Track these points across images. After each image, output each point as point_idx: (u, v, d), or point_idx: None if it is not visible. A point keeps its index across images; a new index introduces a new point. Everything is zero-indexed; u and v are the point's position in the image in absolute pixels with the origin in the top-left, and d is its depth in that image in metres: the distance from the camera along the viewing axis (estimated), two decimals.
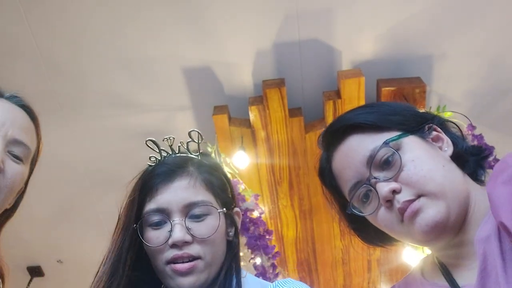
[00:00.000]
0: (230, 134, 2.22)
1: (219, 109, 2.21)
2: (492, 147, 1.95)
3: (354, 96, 2.10)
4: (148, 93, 2.26)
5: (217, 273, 0.85)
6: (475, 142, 2.00)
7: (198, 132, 0.90)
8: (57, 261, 2.98)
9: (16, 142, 0.83)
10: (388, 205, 0.74)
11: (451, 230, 0.73)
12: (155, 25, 2.07)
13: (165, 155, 0.91)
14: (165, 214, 0.83)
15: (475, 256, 0.70)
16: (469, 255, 0.73)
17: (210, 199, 0.85)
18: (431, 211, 0.71)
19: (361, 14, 2.04)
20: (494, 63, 2.15)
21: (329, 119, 2.16)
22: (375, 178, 0.75)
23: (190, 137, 0.91)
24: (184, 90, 2.24)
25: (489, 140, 1.99)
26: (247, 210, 2.07)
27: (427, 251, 2.16)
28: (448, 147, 0.79)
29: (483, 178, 0.81)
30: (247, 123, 2.21)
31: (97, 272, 0.90)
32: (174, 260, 0.81)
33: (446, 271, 0.76)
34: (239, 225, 0.93)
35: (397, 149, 0.75)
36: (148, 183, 0.86)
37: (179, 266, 0.80)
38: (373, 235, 0.86)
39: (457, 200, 0.72)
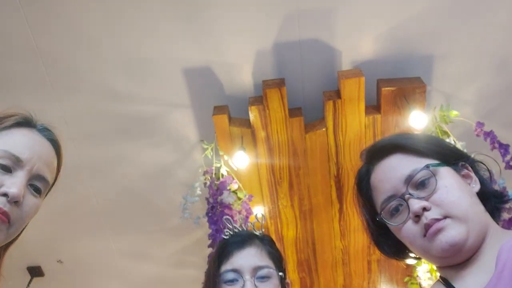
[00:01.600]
0: (230, 134, 2.22)
1: (219, 109, 2.21)
2: (508, 145, 1.93)
3: (354, 96, 2.10)
4: (148, 93, 2.26)
5: None
6: (488, 141, 1.99)
7: (262, 215, 1.28)
8: (57, 261, 2.98)
9: (38, 177, 0.86)
10: (416, 220, 0.83)
11: (466, 253, 0.81)
12: (155, 25, 2.07)
13: (237, 230, 1.20)
14: (238, 273, 1.08)
15: (482, 269, 0.79)
16: (475, 268, 0.81)
17: (272, 266, 1.12)
18: (453, 232, 0.80)
19: (361, 14, 2.04)
20: (496, 62, 2.15)
21: (329, 119, 2.16)
22: (409, 194, 0.85)
23: (256, 218, 1.24)
24: (184, 90, 2.24)
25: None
26: (222, 203, 2.07)
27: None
28: (475, 185, 0.90)
29: (498, 220, 0.90)
30: (247, 123, 2.21)
31: None
32: None
33: (448, 285, 0.84)
34: None
35: (434, 174, 0.85)
36: (225, 249, 1.13)
37: None
38: (390, 247, 0.96)
39: (476, 228, 0.81)
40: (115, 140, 2.40)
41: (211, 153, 2.22)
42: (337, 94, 2.14)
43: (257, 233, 1.19)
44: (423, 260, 1.00)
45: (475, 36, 2.07)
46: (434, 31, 2.08)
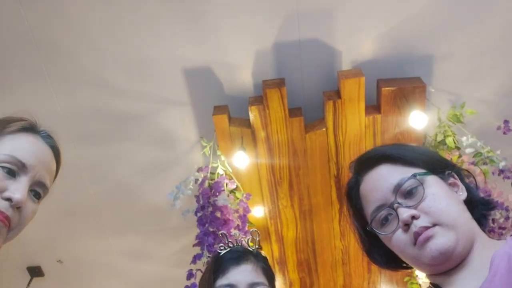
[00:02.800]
0: (230, 134, 2.22)
1: (219, 109, 2.21)
2: None
3: (354, 96, 2.10)
4: (148, 93, 2.26)
5: None
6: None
7: (257, 232, 1.25)
8: (57, 261, 2.98)
9: (40, 183, 0.88)
10: (405, 229, 0.85)
11: (455, 260, 0.82)
12: (155, 25, 2.08)
13: (231, 246, 1.21)
14: None
15: (472, 275, 0.80)
16: (465, 274, 0.82)
17: (266, 282, 1.15)
18: (442, 239, 0.81)
19: (361, 14, 2.04)
20: (497, 62, 2.15)
21: (329, 119, 2.16)
22: (398, 203, 0.86)
23: (251, 235, 1.24)
24: (184, 90, 2.25)
25: None
26: (215, 204, 2.06)
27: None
28: (462, 193, 0.91)
29: (485, 228, 0.92)
30: (247, 123, 2.21)
31: None
32: None
33: None
34: None
35: (422, 183, 0.87)
36: (222, 265, 1.14)
37: None
38: (381, 256, 0.97)
39: (465, 236, 0.83)
40: (114, 139, 2.40)
41: (209, 152, 2.22)
42: (337, 94, 2.14)
43: (252, 249, 1.21)
44: (395, 270, 1.02)
45: (475, 36, 2.07)
46: (434, 31, 2.08)
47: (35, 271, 3.02)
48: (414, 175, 0.87)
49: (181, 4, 2.02)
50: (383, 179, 0.90)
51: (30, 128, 0.92)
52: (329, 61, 2.16)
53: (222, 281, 1.11)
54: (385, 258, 0.96)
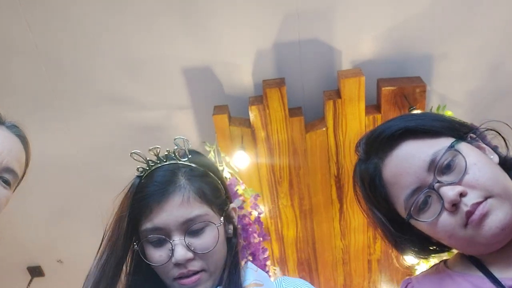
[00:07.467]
0: (230, 134, 2.22)
1: (219, 109, 2.21)
2: None
3: (354, 95, 2.10)
4: (148, 93, 2.26)
5: (221, 274, 0.90)
6: None
7: (183, 139, 0.90)
8: (57, 261, 2.98)
9: (8, 170, 0.90)
10: (452, 209, 0.72)
11: None
12: (155, 25, 2.08)
13: (152, 163, 0.90)
14: (163, 233, 0.84)
15: None
16: None
17: (206, 211, 0.86)
18: (501, 213, 0.70)
19: (361, 14, 2.04)
20: (496, 63, 2.15)
21: (329, 118, 2.16)
22: (439, 182, 0.74)
23: (176, 145, 0.91)
24: (184, 90, 2.25)
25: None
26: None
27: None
28: (493, 156, 0.79)
29: None
30: (247, 122, 2.21)
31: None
32: (180, 276, 0.85)
33: (479, 264, 0.76)
34: (236, 221, 0.95)
35: (461, 153, 0.75)
36: (141, 202, 0.86)
37: (186, 281, 0.84)
38: (414, 247, 0.86)
39: None
40: (114, 139, 2.40)
41: (213, 155, 2.22)
42: (337, 93, 2.14)
43: (182, 162, 0.89)
44: (428, 257, 0.91)
45: (474, 36, 2.07)
46: (434, 30, 2.08)
47: (35, 271, 3.02)
48: (451, 146, 0.75)
49: (180, 4, 2.02)
50: (413, 158, 0.76)
51: None
52: (329, 61, 2.16)
53: (146, 224, 0.84)
54: (418, 247, 0.85)
